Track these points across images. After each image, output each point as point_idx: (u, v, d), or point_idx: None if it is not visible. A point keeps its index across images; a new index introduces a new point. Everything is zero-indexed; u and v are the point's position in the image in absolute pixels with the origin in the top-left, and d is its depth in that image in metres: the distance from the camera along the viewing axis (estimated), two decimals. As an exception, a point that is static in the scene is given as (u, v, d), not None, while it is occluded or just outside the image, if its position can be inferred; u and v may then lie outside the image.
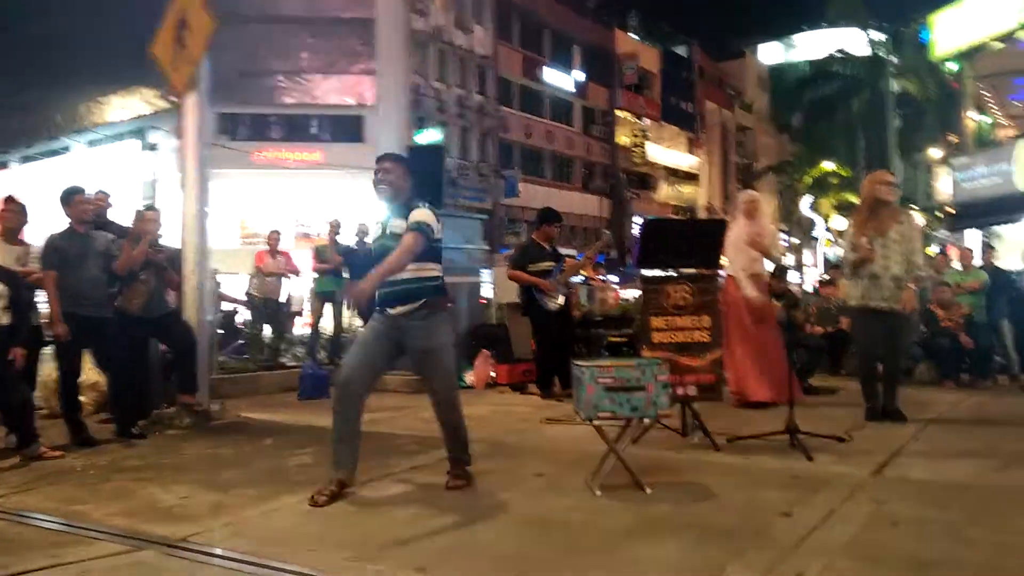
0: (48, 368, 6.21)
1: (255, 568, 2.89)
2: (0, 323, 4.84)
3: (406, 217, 3.86)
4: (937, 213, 26.71)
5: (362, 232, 9.39)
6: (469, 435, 4.09)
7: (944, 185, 23.82)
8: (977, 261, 9.51)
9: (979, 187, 19.34)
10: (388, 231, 3.92)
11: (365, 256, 4.24)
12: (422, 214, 3.84)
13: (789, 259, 31.95)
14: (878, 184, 5.71)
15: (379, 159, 4.03)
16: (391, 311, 3.88)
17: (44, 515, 3.65)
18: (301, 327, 11.35)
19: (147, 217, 5.86)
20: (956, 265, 9.53)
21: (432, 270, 3.91)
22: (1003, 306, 8.68)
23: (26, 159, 25.53)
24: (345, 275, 9.00)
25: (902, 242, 5.51)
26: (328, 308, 9.58)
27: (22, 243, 5.77)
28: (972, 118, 21.50)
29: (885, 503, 3.46)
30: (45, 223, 5.91)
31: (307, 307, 11.42)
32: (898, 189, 5.73)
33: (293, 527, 3.41)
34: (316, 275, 9.73)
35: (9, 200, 5.85)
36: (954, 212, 21.65)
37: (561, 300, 7.30)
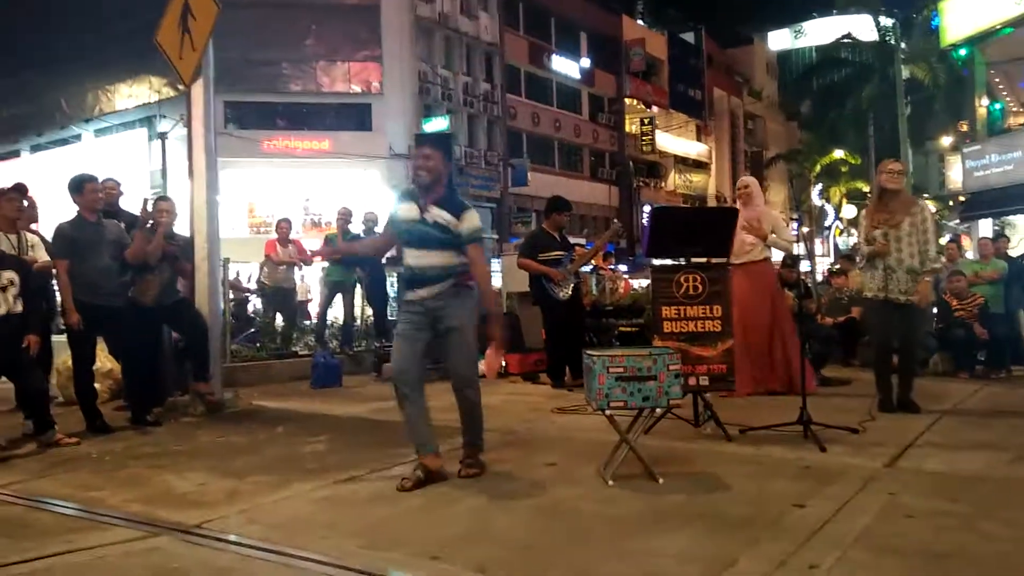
0: (63, 356, 6.25)
1: (269, 554, 2.91)
2: (13, 311, 4.87)
3: (450, 209, 3.91)
4: (949, 202, 26.53)
5: (370, 221, 9.39)
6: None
7: (955, 173, 23.63)
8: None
9: (991, 175, 19.20)
10: (431, 220, 3.90)
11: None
12: (476, 219, 3.96)
13: (800, 247, 31.85)
14: (883, 173, 5.73)
15: (418, 144, 4.04)
16: (422, 293, 3.91)
17: (60, 501, 3.69)
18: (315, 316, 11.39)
19: (161, 208, 5.88)
20: (969, 255, 9.46)
21: (459, 258, 3.94)
22: (1019, 295, 8.62)
23: (36, 148, 25.61)
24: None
25: (915, 233, 5.48)
26: (338, 297, 9.59)
27: (24, 231, 5.79)
28: (983, 105, 21.29)
29: (899, 495, 3.46)
30: (55, 211, 5.93)
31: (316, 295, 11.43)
32: (905, 176, 5.67)
33: (306, 514, 3.43)
34: (326, 264, 9.74)
35: (11, 189, 5.86)
36: (965, 200, 21.50)
37: (570, 289, 7.29)
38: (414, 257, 3.95)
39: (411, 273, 3.98)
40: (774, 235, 6.51)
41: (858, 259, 5.91)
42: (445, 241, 3.89)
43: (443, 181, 3.99)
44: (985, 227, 19.87)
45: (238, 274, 10.54)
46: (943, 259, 9.24)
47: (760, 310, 6.48)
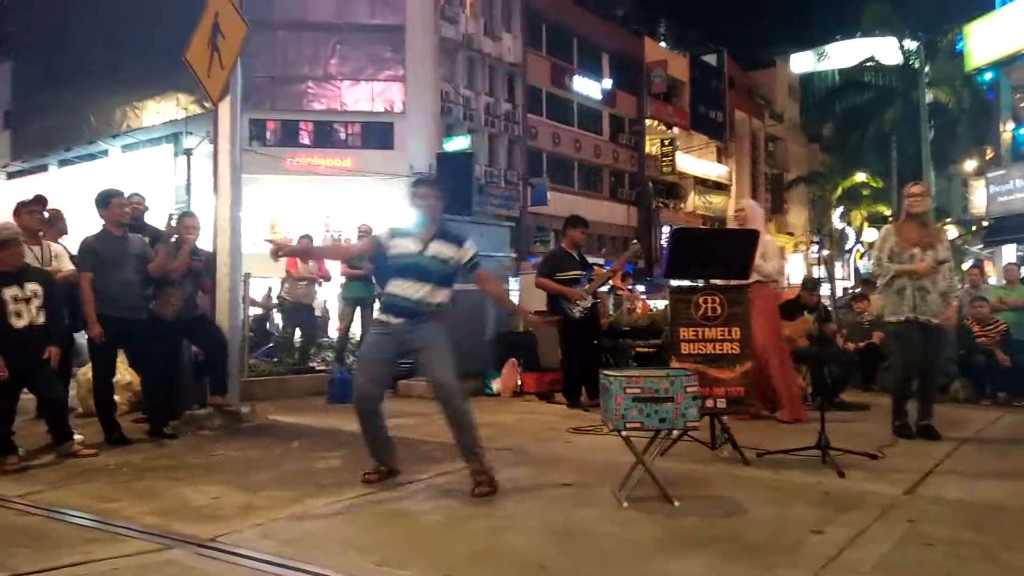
0: (84, 368, 6.31)
1: (282, 570, 2.91)
2: (35, 322, 4.93)
3: (450, 242, 4.20)
4: (972, 227, 26.26)
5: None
6: (496, 443, 4.11)
7: (979, 198, 23.41)
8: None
9: (1015, 200, 19.00)
10: (431, 253, 4.15)
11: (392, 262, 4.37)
12: (475, 247, 4.27)
13: (820, 270, 31.67)
14: (905, 197, 5.79)
15: (416, 183, 4.37)
16: (395, 320, 4.15)
17: (77, 512, 3.71)
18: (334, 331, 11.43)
19: (186, 224, 5.95)
20: (992, 280, 9.34)
21: (445, 295, 4.20)
22: None
23: (64, 162, 26.05)
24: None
25: (944, 258, 5.50)
26: (357, 313, 9.63)
27: (48, 242, 5.87)
28: (1008, 130, 21.12)
29: (918, 523, 3.41)
30: (82, 226, 6.02)
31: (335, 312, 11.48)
32: (928, 198, 5.68)
33: (321, 530, 3.43)
34: (344, 280, 9.79)
35: (32, 202, 5.95)
36: (989, 226, 21.28)
37: (587, 309, 7.26)
38: (403, 288, 4.14)
39: (395, 302, 4.16)
40: (760, 260, 6.30)
41: (878, 282, 5.85)
42: (442, 275, 4.16)
43: (439, 219, 4.29)
44: (1009, 253, 19.63)
45: (270, 290, 10.60)
46: (966, 285, 9.15)
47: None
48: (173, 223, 5.92)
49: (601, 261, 20.27)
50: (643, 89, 38.11)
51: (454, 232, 4.33)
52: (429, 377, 4.21)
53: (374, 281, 9.06)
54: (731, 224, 6.31)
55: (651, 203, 38.24)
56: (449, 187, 8.99)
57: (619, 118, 37.85)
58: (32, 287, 4.95)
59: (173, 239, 5.83)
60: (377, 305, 5.02)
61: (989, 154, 23.03)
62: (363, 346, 4.34)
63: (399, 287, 4.16)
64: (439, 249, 4.16)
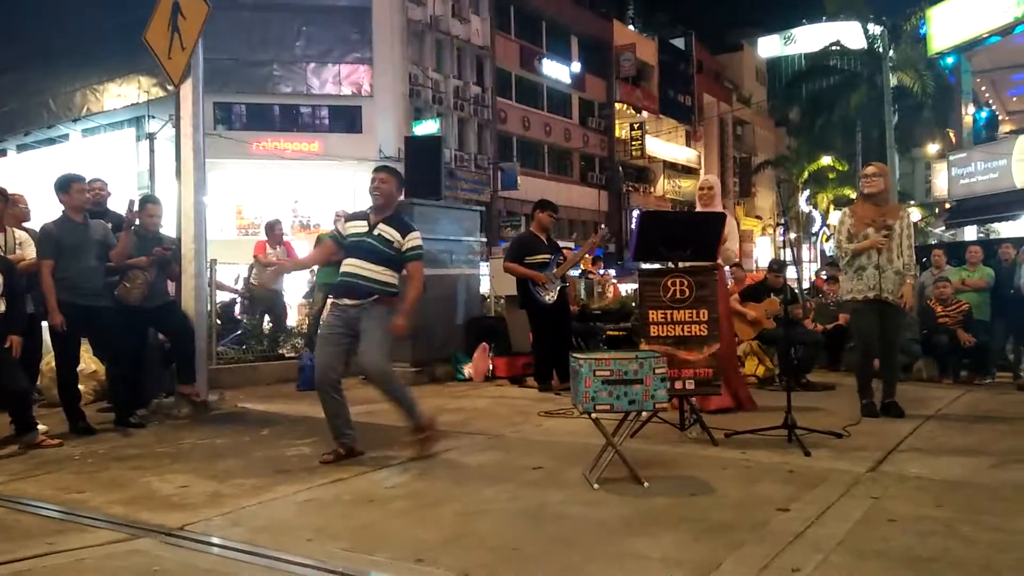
0: (48, 357, 6.19)
1: (252, 557, 2.89)
2: (-3, 311, 4.82)
3: (397, 227, 4.43)
4: (935, 209, 26.74)
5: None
6: (468, 427, 4.14)
7: (941, 181, 23.83)
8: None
9: (976, 183, 19.37)
10: (377, 232, 4.40)
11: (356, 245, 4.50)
12: (419, 238, 4.47)
13: (787, 253, 32.02)
14: (861, 178, 5.91)
15: (376, 170, 4.59)
16: (347, 302, 4.37)
17: (42, 503, 3.66)
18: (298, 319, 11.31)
19: (149, 211, 5.84)
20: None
21: (393, 276, 4.43)
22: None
23: (23, 147, 25.39)
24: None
25: (901, 237, 5.57)
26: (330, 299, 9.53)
27: (13, 228, 5.74)
28: (969, 113, 21.50)
29: (882, 499, 3.48)
30: (41, 211, 5.89)
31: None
32: (883, 178, 5.71)
33: (290, 517, 3.41)
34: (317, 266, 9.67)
35: None
36: (951, 208, 21.69)
37: (556, 293, 7.29)
38: (353, 267, 4.38)
39: (344, 281, 4.40)
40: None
41: (841, 263, 5.93)
42: (388, 256, 4.38)
43: (392, 204, 4.54)
44: (970, 234, 20.04)
45: (239, 277, 10.45)
46: (932, 268, 9.32)
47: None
48: (135, 209, 5.80)
49: (571, 245, 20.33)
50: (612, 73, 38.16)
51: (405, 221, 4.56)
52: (357, 361, 4.37)
53: None
54: (696, 202, 6.26)
55: (621, 187, 38.40)
56: (418, 171, 8.96)
57: (588, 102, 37.87)
58: (-9, 275, 4.84)
59: (134, 226, 5.72)
60: None
61: (952, 136, 23.43)
62: (322, 326, 4.56)
63: (349, 265, 4.40)
64: (385, 230, 4.40)
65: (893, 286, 5.53)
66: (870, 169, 5.84)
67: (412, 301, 4.44)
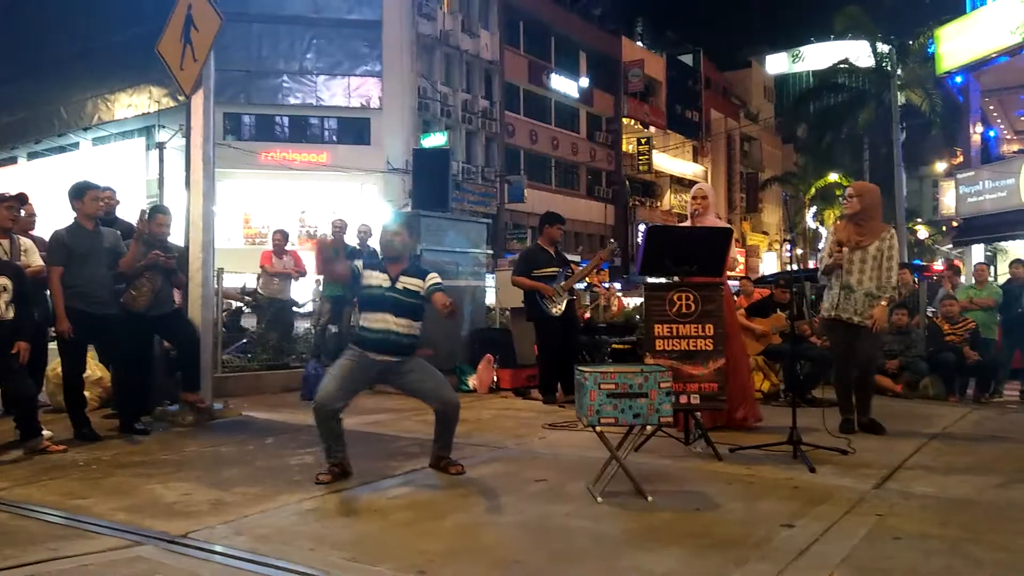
0: (54, 363, 6.21)
1: (254, 566, 2.89)
2: (4, 317, 4.85)
3: (416, 275, 4.40)
4: (942, 227, 26.67)
5: (365, 233, 9.38)
6: (472, 439, 4.14)
7: (949, 199, 23.78)
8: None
9: (984, 201, 19.33)
10: (401, 287, 4.34)
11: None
12: (438, 276, 4.45)
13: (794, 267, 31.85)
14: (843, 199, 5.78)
15: (387, 224, 4.60)
16: (378, 357, 4.27)
17: (46, 508, 3.66)
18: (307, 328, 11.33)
19: (159, 221, 5.87)
20: (963, 279, 9.49)
21: (418, 327, 4.40)
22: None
23: (33, 155, 25.60)
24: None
25: (880, 259, 5.44)
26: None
27: (18, 236, 5.75)
28: (977, 132, 21.49)
29: (887, 517, 3.46)
30: (50, 219, 5.91)
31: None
32: (858, 199, 5.55)
33: (293, 526, 3.41)
34: (321, 277, 9.71)
35: (11, 197, 5.80)
36: (958, 226, 21.63)
37: (564, 306, 7.29)
38: (383, 322, 4.27)
39: (383, 339, 4.27)
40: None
41: (819, 275, 5.92)
42: (415, 308, 4.34)
43: (407, 255, 4.55)
44: (978, 252, 19.98)
45: (244, 286, 10.50)
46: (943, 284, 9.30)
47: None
48: (146, 218, 5.83)
49: (578, 259, 20.33)
50: (620, 88, 38.26)
51: (421, 267, 4.56)
52: (435, 400, 4.33)
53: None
54: (688, 211, 6.19)
55: (628, 201, 38.43)
56: (426, 183, 9.01)
57: (596, 116, 37.97)
58: (2, 281, 4.87)
59: (145, 235, 5.74)
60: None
61: (959, 155, 23.41)
62: (343, 360, 4.33)
63: (380, 321, 4.28)
64: (409, 282, 4.36)
65: (861, 307, 5.43)
66: (849, 190, 5.77)
67: (454, 309, 4.36)
